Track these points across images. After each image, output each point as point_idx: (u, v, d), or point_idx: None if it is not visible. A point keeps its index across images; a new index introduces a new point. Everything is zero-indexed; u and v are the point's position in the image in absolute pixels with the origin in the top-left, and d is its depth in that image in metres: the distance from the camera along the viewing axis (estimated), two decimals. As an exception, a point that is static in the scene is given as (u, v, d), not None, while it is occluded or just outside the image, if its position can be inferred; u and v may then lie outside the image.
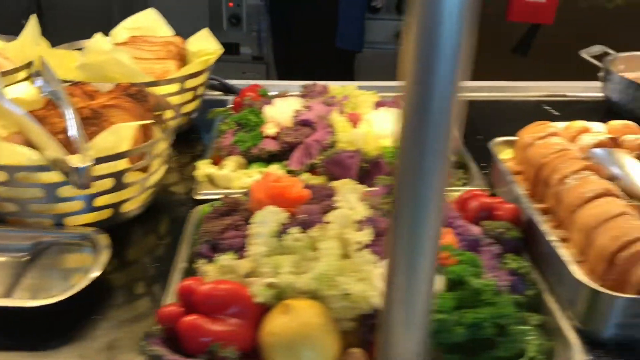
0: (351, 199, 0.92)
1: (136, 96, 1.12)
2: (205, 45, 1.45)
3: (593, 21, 3.02)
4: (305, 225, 0.86)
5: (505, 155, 1.22)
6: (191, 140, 1.43)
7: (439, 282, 0.82)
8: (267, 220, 0.86)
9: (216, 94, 1.70)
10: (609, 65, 1.69)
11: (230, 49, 4.05)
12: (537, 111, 1.69)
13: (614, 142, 1.13)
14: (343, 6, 3.07)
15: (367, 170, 1.17)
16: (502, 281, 0.87)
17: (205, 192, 1.15)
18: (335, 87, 1.41)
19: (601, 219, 0.87)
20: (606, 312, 0.80)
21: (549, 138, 1.11)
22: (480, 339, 0.78)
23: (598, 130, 1.18)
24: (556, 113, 1.67)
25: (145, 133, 1.10)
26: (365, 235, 0.85)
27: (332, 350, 0.77)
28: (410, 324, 0.60)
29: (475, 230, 0.98)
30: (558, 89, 1.85)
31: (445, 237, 0.90)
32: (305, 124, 1.24)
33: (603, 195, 0.92)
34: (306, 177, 1.17)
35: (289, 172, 1.18)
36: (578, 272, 0.82)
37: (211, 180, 1.19)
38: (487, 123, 1.58)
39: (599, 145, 1.09)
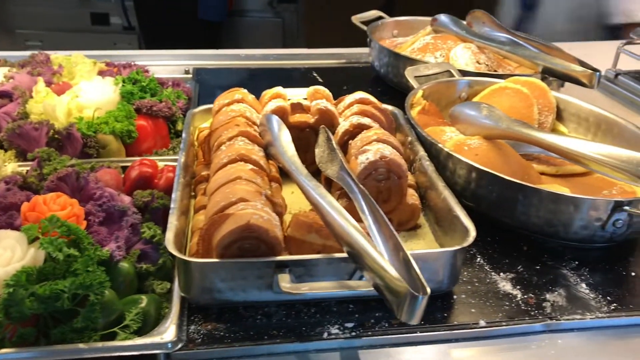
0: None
1: None
2: None
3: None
4: None
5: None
6: None
7: (35, 256, 0.80)
8: None
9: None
10: (371, 31, 1.71)
11: (99, 19, 3.89)
12: (303, 78, 1.70)
13: (298, 108, 1.14)
14: None
15: (60, 142, 1.14)
16: (117, 250, 0.86)
17: None
18: (58, 56, 1.36)
19: (219, 183, 0.88)
20: (196, 278, 0.80)
21: (233, 105, 1.11)
22: (64, 310, 0.77)
23: (296, 95, 1.19)
24: (320, 80, 1.68)
25: None
26: (-35, 210, 0.82)
27: None
28: None
29: (126, 200, 0.97)
30: (336, 56, 1.87)
31: (66, 210, 0.88)
32: (2, 95, 1.19)
33: (236, 161, 0.93)
34: (-6, 151, 1.12)
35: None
36: (169, 241, 0.81)
37: None
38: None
39: (277, 111, 1.09)
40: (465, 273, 0.93)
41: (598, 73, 1.31)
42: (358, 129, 1.06)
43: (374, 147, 0.97)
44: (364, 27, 1.73)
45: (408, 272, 0.70)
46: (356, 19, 1.78)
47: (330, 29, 2.96)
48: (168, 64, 1.75)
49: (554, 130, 1.31)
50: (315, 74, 1.71)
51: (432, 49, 1.55)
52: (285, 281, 0.77)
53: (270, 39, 3.97)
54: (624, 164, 0.94)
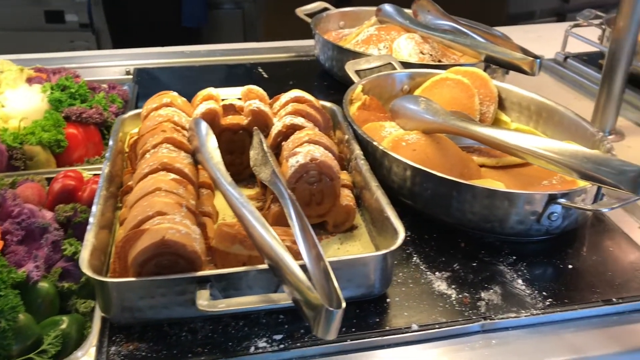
0: None
1: None
2: None
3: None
4: None
5: (143, 128, 1.17)
6: None
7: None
8: None
9: None
10: (316, 23, 1.67)
11: (54, 17, 3.77)
12: (247, 74, 1.66)
13: (231, 109, 1.11)
14: None
15: (-17, 155, 1.09)
16: (35, 271, 0.82)
17: None
18: (-16, 64, 1.30)
19: (137, 196, 0.84)
20: (114, 298, 0.77)
21: (161, 109, 1.07)
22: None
23: (231, 95, 1.15)
24: (266, 75, 1.64)
25: None
26: None
27: None
28: None
29: (48, 216, 0.93)
30: (285, 50, 1.83)
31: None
32: None
33: (157, 170, 0.89)
34: None
35: None
36: (84, 260, 0.77)
37: None
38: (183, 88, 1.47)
39: (207, 113, 1.06)
40: (401, 274, 0.91)
41: (538, 60, 1.29)
42: (291, 129, 1.03)
43: (305, 149, 0.95)
44: (309, 20, 1.69)
45: (327, 284, 0.67)
46: (300, 11, 1.74)
47: (289, 20, 2.90)
48: (114, 65, 1.70)
49: (496, 120, 1.29)
50: (260, 69, 1.67)
51: (376, 40, 1.52)
52: (203, 298, 0.74)
53: (231, 32, 3.91)
54: (558, 156, 0.93)
